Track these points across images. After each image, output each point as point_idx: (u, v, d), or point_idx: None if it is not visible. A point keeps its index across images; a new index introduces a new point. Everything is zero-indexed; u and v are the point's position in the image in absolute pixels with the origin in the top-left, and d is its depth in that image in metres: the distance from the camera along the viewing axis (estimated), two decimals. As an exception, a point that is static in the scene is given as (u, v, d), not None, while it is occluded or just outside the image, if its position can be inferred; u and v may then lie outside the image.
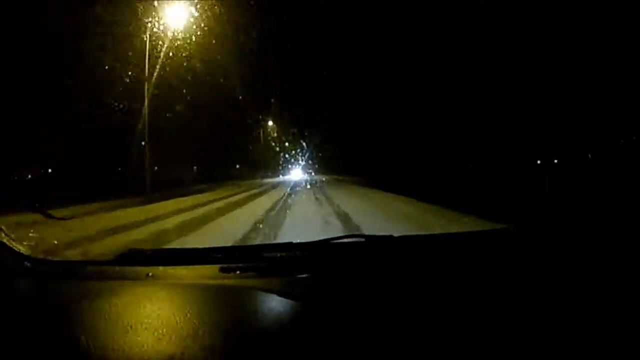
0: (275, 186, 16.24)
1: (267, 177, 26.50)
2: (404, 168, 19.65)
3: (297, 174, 27.86)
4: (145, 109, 10.77)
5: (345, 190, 12.41)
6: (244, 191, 12.65)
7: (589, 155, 17.53)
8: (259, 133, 28.10)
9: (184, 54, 10.31)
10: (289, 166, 28.28)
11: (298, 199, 9.46)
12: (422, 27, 18.79)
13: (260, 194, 11.84)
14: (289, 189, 13.02)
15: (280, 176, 26.88)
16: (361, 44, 22.26)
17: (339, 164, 29.96)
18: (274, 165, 29.32)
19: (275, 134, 29.51)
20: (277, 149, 28.94)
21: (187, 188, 13.20)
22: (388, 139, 24.45)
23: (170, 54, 10.02)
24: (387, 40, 20.87)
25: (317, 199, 9.05)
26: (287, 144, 28.59)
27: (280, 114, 27.70)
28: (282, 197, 9.55)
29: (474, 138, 19.67)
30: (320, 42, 23.44)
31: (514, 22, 15.49)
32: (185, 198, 9.48)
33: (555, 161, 18.26)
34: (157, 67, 10.20)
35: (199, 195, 10.58)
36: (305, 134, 28.57)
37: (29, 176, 13.65)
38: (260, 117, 26.67)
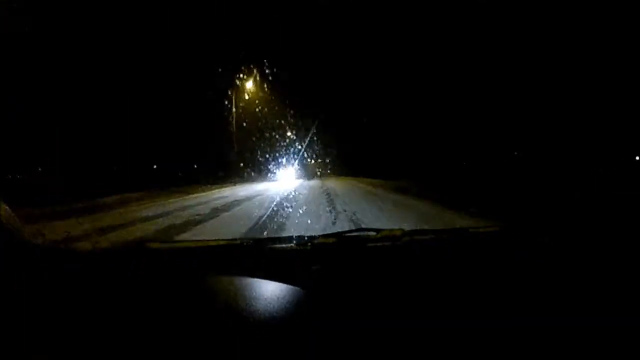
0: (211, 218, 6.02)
1: (232, 182, 16.50)
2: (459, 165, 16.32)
3: (288, 177, 16.65)
4: None
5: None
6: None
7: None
8: (230, 113, 18.23)
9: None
10: (277, 164, 17.32)
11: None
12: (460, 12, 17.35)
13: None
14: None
15: (265, 181, 16.22)
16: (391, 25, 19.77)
17: (352, 160, 21.24)
18: (251, 161, 18.53)
19: (255, 112, 19.23)
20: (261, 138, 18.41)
21: None
22: (430, 123, 19.09)
23: None
24: (423, 22, 18.74)
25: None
26: (277, 131, 18.11)
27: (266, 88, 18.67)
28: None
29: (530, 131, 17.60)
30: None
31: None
32: None
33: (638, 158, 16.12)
34: None
35: None
36: (305, 119, 18.67)
37: None
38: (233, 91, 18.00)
